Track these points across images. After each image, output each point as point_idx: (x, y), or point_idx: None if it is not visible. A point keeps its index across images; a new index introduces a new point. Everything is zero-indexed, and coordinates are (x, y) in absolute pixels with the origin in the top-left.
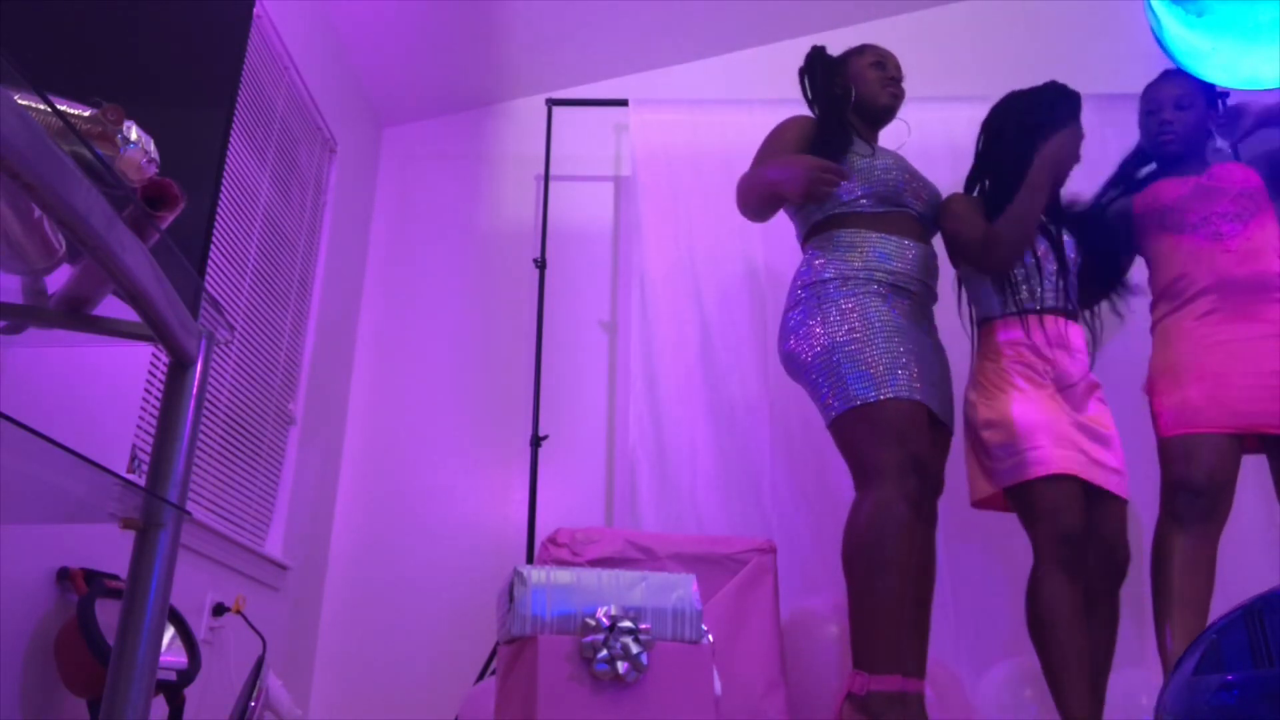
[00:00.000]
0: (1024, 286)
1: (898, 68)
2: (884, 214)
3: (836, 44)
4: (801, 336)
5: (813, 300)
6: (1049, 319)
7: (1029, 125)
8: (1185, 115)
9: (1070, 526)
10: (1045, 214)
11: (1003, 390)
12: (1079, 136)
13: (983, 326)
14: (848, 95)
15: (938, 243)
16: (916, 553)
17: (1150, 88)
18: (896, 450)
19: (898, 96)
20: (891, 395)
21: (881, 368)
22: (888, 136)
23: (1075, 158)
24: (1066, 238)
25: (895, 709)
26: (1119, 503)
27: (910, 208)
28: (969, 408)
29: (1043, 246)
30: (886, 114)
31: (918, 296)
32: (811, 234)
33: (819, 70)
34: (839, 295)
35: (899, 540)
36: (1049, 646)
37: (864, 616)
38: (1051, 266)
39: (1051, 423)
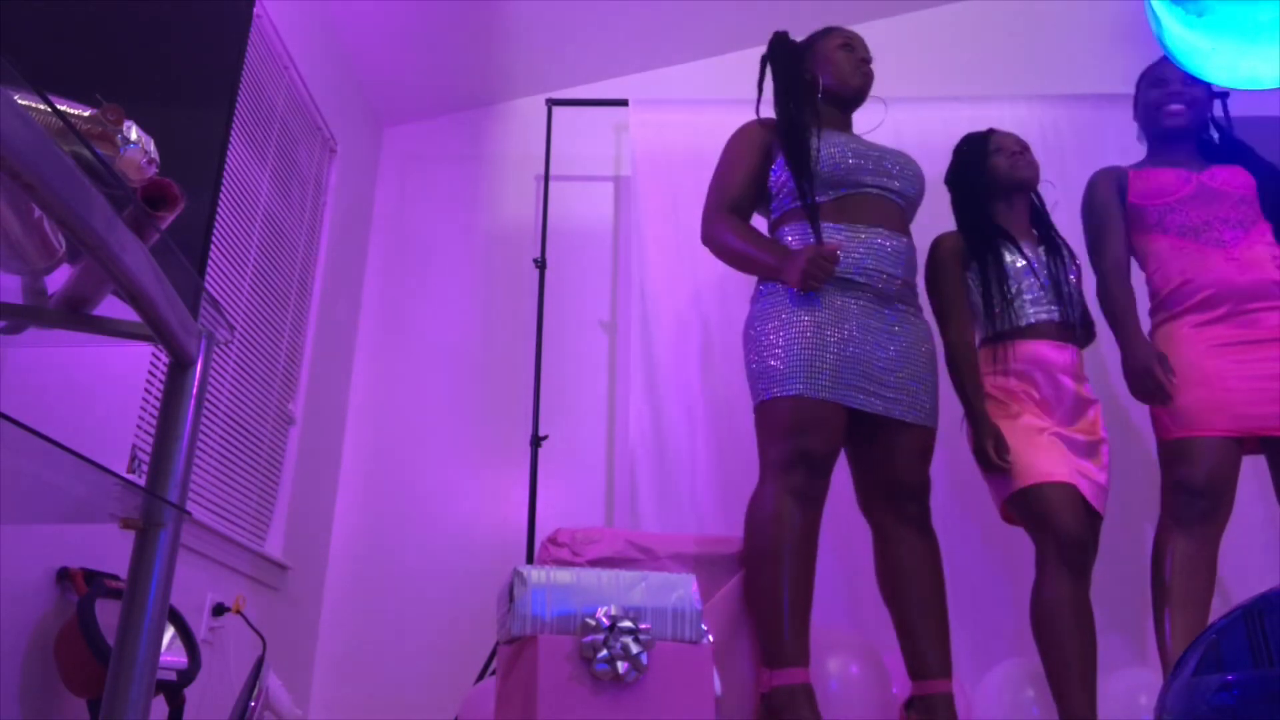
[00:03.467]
0: (1004, 312)
1: (866, 48)
2: (839, 200)
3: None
4: (744, 344)
5: (751, 305)
6: (1032, 343)
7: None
8: (1192, 90)
9: (1070, 527)
10: (1033, 236)
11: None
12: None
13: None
14: (814, 85)
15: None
16: (894, 551)
17: (1152, 68)
18: (782, 445)
19: (869, 77)
20: (783, 394)
21: (782, 367)
22: (860, 120)
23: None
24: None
25: (798, 703)
26: (1096, 517)
27: (869, 187)
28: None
29: (1025, 267)
30: (858, 97)
31: (878, 290)
32: (770, 232)
33: (783, 57)
34: (766, 294)
35: (776, 531)
36: (1051, 647)
37: (754, 612)
38: (1036, 287)
39: (1036, 438)
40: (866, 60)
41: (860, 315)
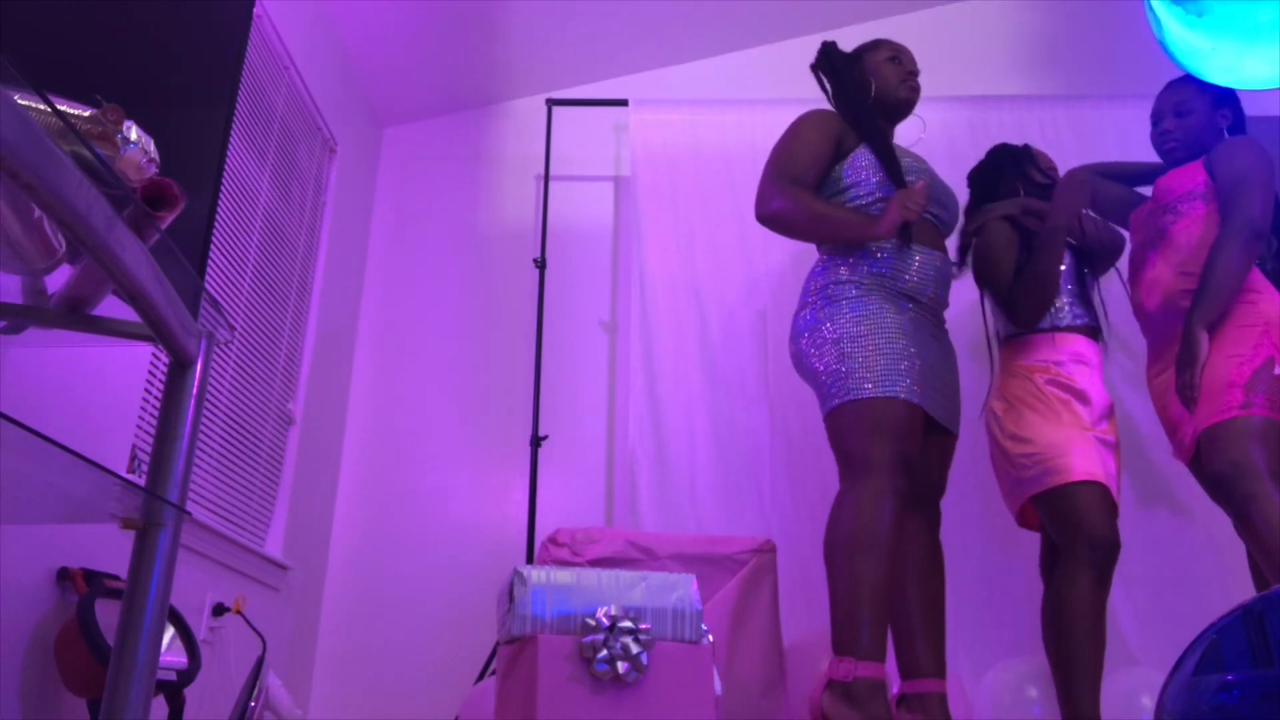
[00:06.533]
0: (1068, 307)
1: (914, 61)
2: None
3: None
4: (811, 336)
5: (825, 302)
6: (1070, 336)
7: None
8: (1186, 121)
9: (1104, 532)
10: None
11: (1029, 406)
12: (1080, 191)
13: (1008, 342)
14: (866, 90)
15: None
16: (907, 546)
17: (1155, 103)
18: (889, 446)
19: (916, 90)
20: (889, 394)
21: (882, 367)
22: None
23: (1079, 206)
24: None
25: (879, 698)
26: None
27: (929, 213)
28: (992, 419)
29: (1064, 266)
30: (905, 109)
31: (928, 306)
32: None
33: (834, 66)
34: (850, 297)
35: (887, 528)
36: (1065, 647)
37: (851, 603)
38: (1070, 285)
39: (1076, 436)
40: (914, 73)
41: (921, 328)
